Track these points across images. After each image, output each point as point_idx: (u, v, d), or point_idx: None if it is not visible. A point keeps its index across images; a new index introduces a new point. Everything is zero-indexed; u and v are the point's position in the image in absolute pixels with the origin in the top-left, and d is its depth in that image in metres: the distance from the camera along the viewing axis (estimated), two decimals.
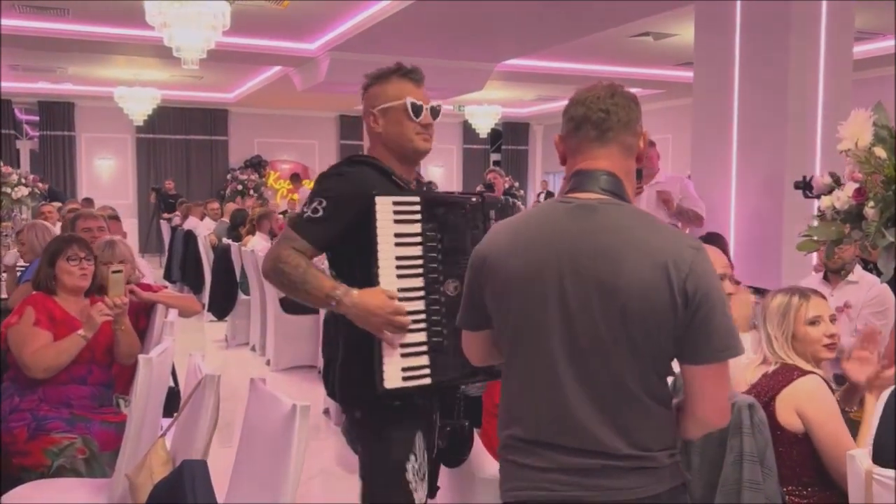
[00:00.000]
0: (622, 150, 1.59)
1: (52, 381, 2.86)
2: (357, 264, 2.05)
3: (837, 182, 2.39)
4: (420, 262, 2.04)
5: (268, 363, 6.52)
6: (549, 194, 14.82)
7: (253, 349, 7.09)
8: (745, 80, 5.04)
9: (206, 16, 6.68)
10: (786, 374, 2.28)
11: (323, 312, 2.32)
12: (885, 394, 1.87)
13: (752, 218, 4.98)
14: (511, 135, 18.28)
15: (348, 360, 2.07)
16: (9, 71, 12.20)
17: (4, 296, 4.42)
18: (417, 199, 2.05)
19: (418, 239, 2.04)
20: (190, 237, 9.48)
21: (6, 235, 7.57)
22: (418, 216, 2.04)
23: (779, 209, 4.74)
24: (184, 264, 9.64)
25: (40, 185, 9.11)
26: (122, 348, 3.04)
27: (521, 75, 11.16)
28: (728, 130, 5.14)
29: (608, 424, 1.49)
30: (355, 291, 1.97)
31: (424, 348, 2.02)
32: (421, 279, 2.03)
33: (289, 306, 6.22)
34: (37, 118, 15.17)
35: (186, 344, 5.43)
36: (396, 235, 2.01)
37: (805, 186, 2.56)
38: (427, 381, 2.01)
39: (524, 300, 1.55)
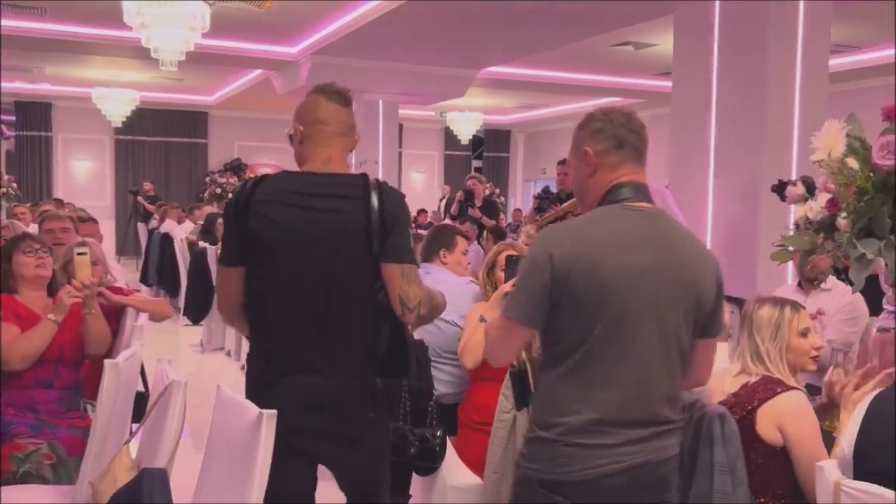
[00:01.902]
0: (644, 169, 1.92)
1: (17, 385, 2.80)
2: None
3: (811, 188, 2.40)
4: None
5: (242, 368, 6.44)
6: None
7: (228, 354, 7.02)
8: (723, 88, 5.07)
9: (184, 16, 6.62)
10: (768, 387, 2.28)
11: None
12: (860, 406, 1.87)
13: (727, 227, 5.00)
14: (493, 142, 18.31)
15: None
16: None
17: None
18: None
19: None
20: (167, 240, 9.39)
21: None
22: None
23: (754, 218, 4.76)
24: (160, 267, 9.55)
25: (14, 185, 8.99)
26: (92, 335, 2.99)
27: (503, 82, 11.18)
28: (705, 138, 5.16)
29: (663, 397, 1.81)
30: None
31: None
32: None
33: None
34: (13, 118, 14.97)
35: (161, 348, 5.37)
36: None
37: (780, 190, 2.57)
38: None
39: (624, 296, 1.76)
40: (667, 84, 11.14)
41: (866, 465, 1.74)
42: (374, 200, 2.03)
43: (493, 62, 9.78)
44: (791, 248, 2.50)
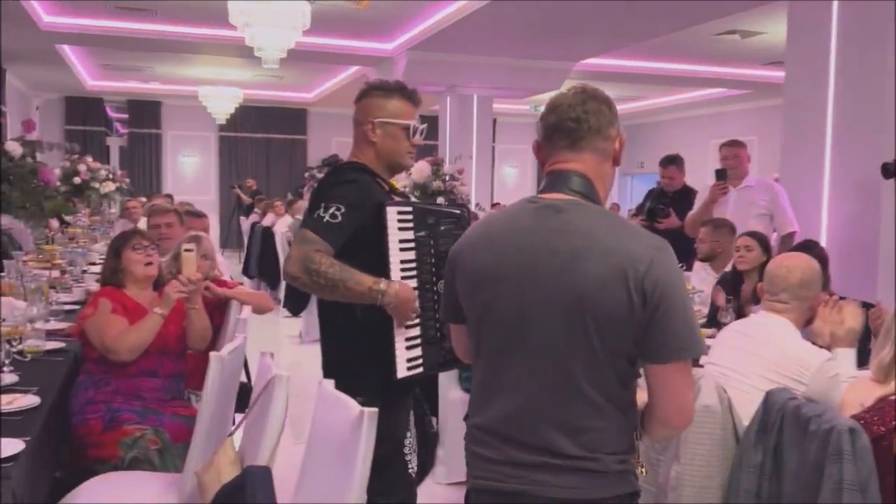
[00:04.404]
0: (596, 156, 1.63)
1: (124, 374, 2.89)
2: (362, 266, 2.24)
3: None
4: (415, 264, 2.31)
5: None
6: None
7: None
8: (842, 81, 4.77)
9: (287, 15, 6.76)
10: None
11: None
12: None
13: (846, 224, 4.70)
14: None
15: (348, 356, 2.35)
16: (101, 70, 12.70)
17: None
18: (411, 208, 2.34)
19: (412, 244, 2.31)
20: (268, 234, 9.64)
21: (94, 229, 7.85)
22: (412, 224, 2.32)
23: (876, 214, 4.46)
24: (262, 260, 9.82)
25: (126, 180, 9.43)
26: (194, 330, 3.07)
27: (601, 74, 10.94)
28: (822, 132, 4.86)
29: (557, 422, 1.52)
30: (397, 284, 2.23)
31: (419, 341, 2.32)
32: (415, 280, 2.30)
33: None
34: (126, 116, 15.74)
35: (261, 339, 5.49)
36: (400, 241, 2.28)
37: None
38: (420, 369, 2.32)
39: (486, 294, 1.60)
40: (775, 74, 10.75)
41: None
42: None
43: (591, 54, 9.58)
44: None
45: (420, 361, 2.32)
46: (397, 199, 2.39)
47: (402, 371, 2.26)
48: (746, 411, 2.20)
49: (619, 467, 1.53)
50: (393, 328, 2.25)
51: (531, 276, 1.53)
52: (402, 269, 2.29)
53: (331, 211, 2.23)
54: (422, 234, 2.32)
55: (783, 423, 2.04)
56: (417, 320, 2.29)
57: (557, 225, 1.54)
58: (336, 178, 2.34)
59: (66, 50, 10.75)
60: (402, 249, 2.29)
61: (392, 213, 2.26)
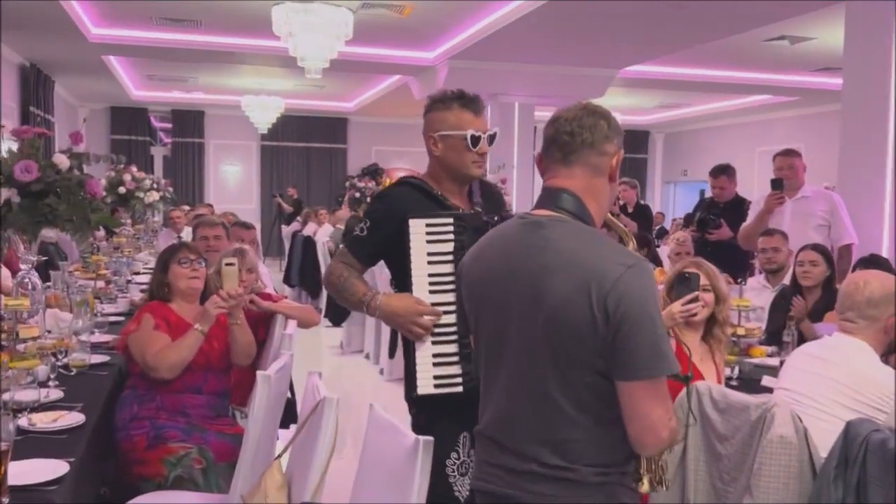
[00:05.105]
0: (587, 171, 1.63)
1: (168, 390, 2.85)
2: (397, 277, 2.35)
3: None
4: (451, 278, 2.21)
5: (381, 372, 6.47)
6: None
7: (367, 357, 7.08)
8: None
9: (330, 24, 6.75)
10: None
11: None
12: None
13: None
14: (630, 143, 17.70)
15: (404, 366, 2.35)
16: (146, 80, 12.89)
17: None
18: (451, 220, 2.28)
19: (450, 257, 2.26)
20: (309, 243, 9.64)
21: (138, 238, 7.91)
22: (451, 236, 2.27)
23: None
24: (303, 270, 9.83)
25: (170, 189, 9.50)
26: (238, 345, 3.02)
27: (645, 81, 10.78)
28: (883, 139, 4.68)
29: (536, 431, 1.56)
30: (382, 296, 2.28)
31: (456, 358, 2.25)
32: (452, 294, 2.19)
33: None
34: (170, 125, 15.96)
35: (302, 349, 5.45)
36: (429, 254, 2.26)
37: None
38: (459, 388, 2.24)
39: (478, 306, 1.69)
40: (824, 80, 10.47)
41: None
42: None
43: (636, 60, 9.42)
44: None
45: (458, 380, 2.24)
46: (443, 211, 2.33)
47: (424, 388, 2.22)
48: (823, 441, 2.06)
49: (597, 479, 1.54)
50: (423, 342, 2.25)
51: (509, 289, 1.60)
52: (433, 283, 2.26)
53: (360, 225, 2.38)
54: (463, 246, 2.25)
55: (866, 456, 1.90)
56: (454, 336, 2.24)
57: (536, 240, 1.59)
58: (377, 194, 2.51)
59: (113, 61, 10.92)
60: (433, 262, 2.27)
61: (418, 226, 2.25)
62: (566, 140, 1.63)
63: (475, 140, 2.33)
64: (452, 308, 2.19)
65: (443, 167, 2.38)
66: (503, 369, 1.62)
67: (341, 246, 2.40)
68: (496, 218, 2.36)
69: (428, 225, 2.25)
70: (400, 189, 2.41)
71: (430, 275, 2.25)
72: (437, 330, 2.26)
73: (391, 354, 2.51)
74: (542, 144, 1.71)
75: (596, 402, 1.53)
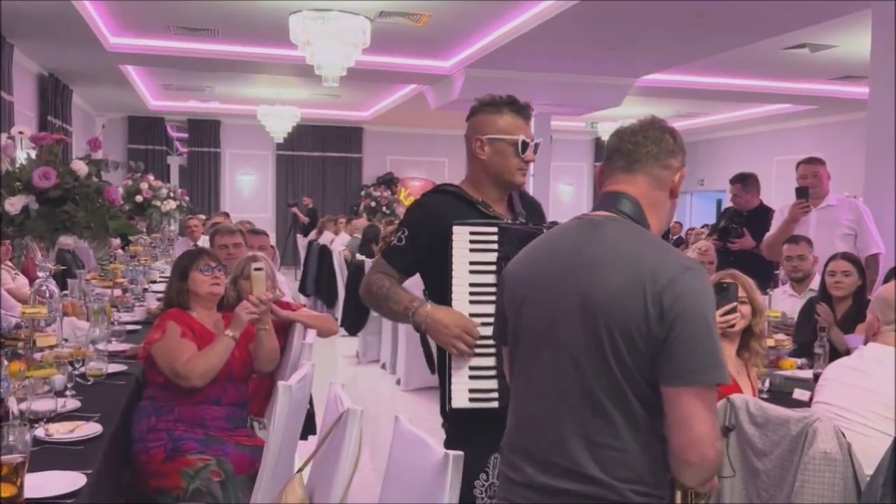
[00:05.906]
0: (649, 181, 1.61)
1: (187, 401, 2.80)
2: (433, 288, 2.27)
3: None
4: (492, 289, 2.13)
5: (398, 382, 6.41)
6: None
7: (383, 367, 7.02)
8: None
9: (347, 33, 6.73)
10: None
11: None
12: None
13: None
14: None
15: (439, 378, 2.28)
16: (162, 90, 12.94)
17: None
18: (495, 229, 2.19)
19: (493, 267, 2.17)
20: (325, 252, 9.62)
21: (154, 247, 7.91)
22: (495, 245, 2.18)
23: None
24: (318, 278, 9.80)
25: (186, 198, 9.51)
26: (264, 351, 2.97)
27: (663, 90, 10.69)
28: None
29: (577, 433, 1.49)
30: (430, 305, 2.19)
31: (493, 372, 2.15)
32: (493, 306, 2.04)
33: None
34: (186, 135, 16.03)
35: (318, 358, 5.41)
36: (471, 263, 2.17)
37: None
38: (494, 403, 2.13)
39: (519, 309, 1.63)
40: (845, 89, 10.35)
41: None
42: None
43: (654, 69, 9.35)
44: None
45: (494, 395, 2.15)
46: (484, 219, 2.24)
47: (459, 401, 2.14)
48: (866, 457, 1.98)
49: (637, 499, 1.46)
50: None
51: (557, 287, 1.55)
52: (474, 293, 2.18)
53: (398, 234, 2.30)
54: (508, 256, 2.15)
55: None
56: (492, 350, 2.14)
57: (589, 238, 1.56)
58: (414, 202, 2.39)
59: (130, 70, 10.97)
60: (474, 272, 2.18)
61: (461, 234, 2.17)
62: (631, 149, 1.61)
63: (524, 146, 2.27)
64: (492, 320, 2.10)
65: (486, 172, 2.30)
66: (543, 374, 1.55)
67: (378, 257, 2.36)
68: (542, 229, 2.26)
69: (472, 233, 2.18)
70: (439, 197, 2.34)
71: (472, 284, 2.17)
72: (475, 342, 2.17)
73: (431, 370, 2.41)
74: (604, 155, 1.69)
75: (642, 412, 1.47)
